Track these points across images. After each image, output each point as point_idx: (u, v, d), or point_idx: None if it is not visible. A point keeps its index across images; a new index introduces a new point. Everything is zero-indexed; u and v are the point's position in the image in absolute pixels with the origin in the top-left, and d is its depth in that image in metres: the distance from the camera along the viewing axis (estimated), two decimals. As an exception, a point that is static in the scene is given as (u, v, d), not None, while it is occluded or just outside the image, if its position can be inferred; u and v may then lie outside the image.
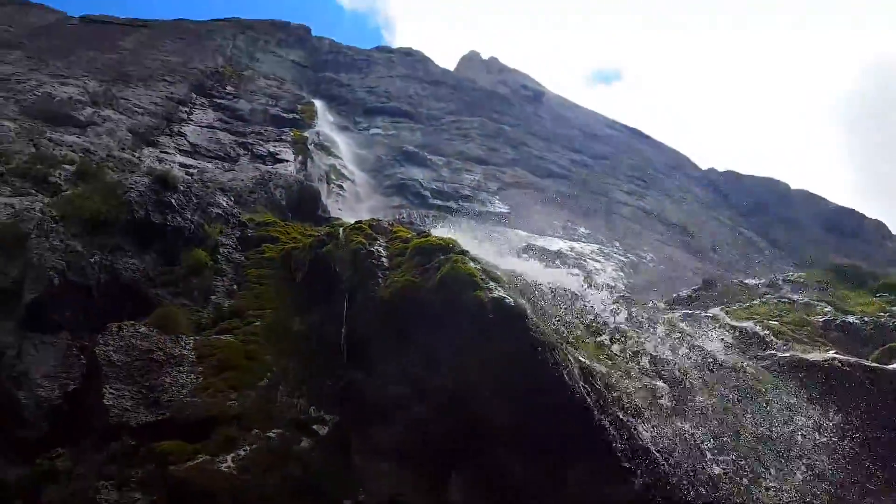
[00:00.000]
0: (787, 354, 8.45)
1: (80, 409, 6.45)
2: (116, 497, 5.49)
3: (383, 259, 7.77)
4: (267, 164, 16.40)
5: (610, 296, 8.99)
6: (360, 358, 7.11)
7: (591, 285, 9.60)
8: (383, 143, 24.85)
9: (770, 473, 6.45)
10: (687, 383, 7.24)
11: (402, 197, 21.19)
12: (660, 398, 6.82)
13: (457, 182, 23.52)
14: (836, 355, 8.25)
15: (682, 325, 9.34)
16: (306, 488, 5.96)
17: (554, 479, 5.92)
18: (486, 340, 6.29)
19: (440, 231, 9.61)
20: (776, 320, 10.24)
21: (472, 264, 6.91)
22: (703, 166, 39.61)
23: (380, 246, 8.06)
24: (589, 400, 5.99)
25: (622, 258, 21.51)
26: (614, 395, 6.34)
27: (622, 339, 7.74)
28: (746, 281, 14.34)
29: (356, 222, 9.28)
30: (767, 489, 6.25)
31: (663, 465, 5.87)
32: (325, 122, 23.73)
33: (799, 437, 7.07)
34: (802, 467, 6.68)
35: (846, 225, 33.28)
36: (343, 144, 22.96)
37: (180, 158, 15.12)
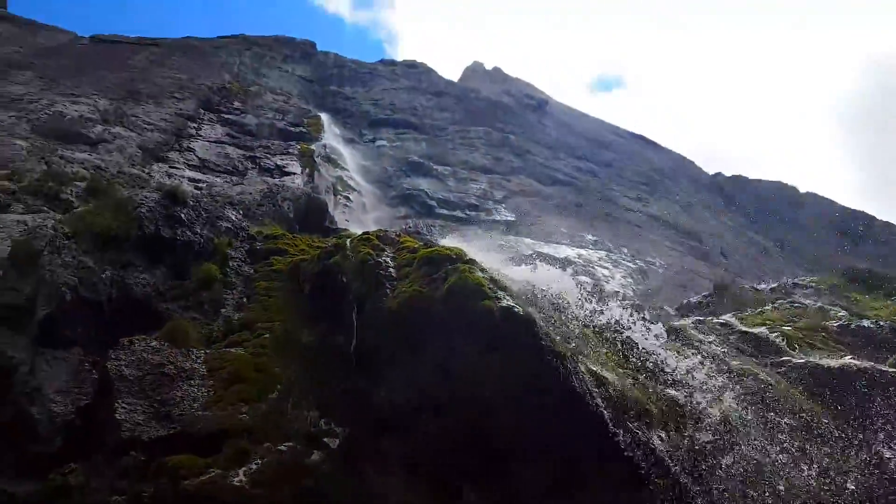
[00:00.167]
0: (802, 360, 8.35)
1: (92, 423, 6.47)
2: (129, 512, 5.50)
3: (391, 269, 7.78)
4: (274, 177, 16.52)
5: (620, 303, 8.94)
6: (368, 368, 7.10)
7: (600, 292, 9.55)
8: (389, 155, 25.01)
9: (784, 482, 6.35)
10: (700, 391, 7.17)
11: (408, 207, 21.28)
12: (673, 406, 6.76)
13: (462, 191, 23.59)
14: (852, 360, 8.15)
15: (693, 331, 9.27)
16: (318, 502, 5.94)
17: (568, 490, 5.86)
18: (496, 350, 6.27)
19: (447, 240, 9.62)
20: (789, 326, 10.14)
21: (479, 273, 6.90)
22: (708, 169, 39.61)
23: (387, 256, 8.08)
24: (602, 409, 5.94)
25: (630, 265, 21.40)
26: (627, 403, 6.29)
27: (633, 346, 7.68)
28: (758, 286, 14.23)
29: (363, 233, 9.31)
30: (780, 496, 6.16)
31: (677, 473, 5.80)
32: (331, 134, 23.89)
33: (811, 446, 6.97)
34: (814, 475, 6.58)
35: (856, 227, 33.01)
36: (349, 156, 23.11)
37: (189, 173, 15.27)
